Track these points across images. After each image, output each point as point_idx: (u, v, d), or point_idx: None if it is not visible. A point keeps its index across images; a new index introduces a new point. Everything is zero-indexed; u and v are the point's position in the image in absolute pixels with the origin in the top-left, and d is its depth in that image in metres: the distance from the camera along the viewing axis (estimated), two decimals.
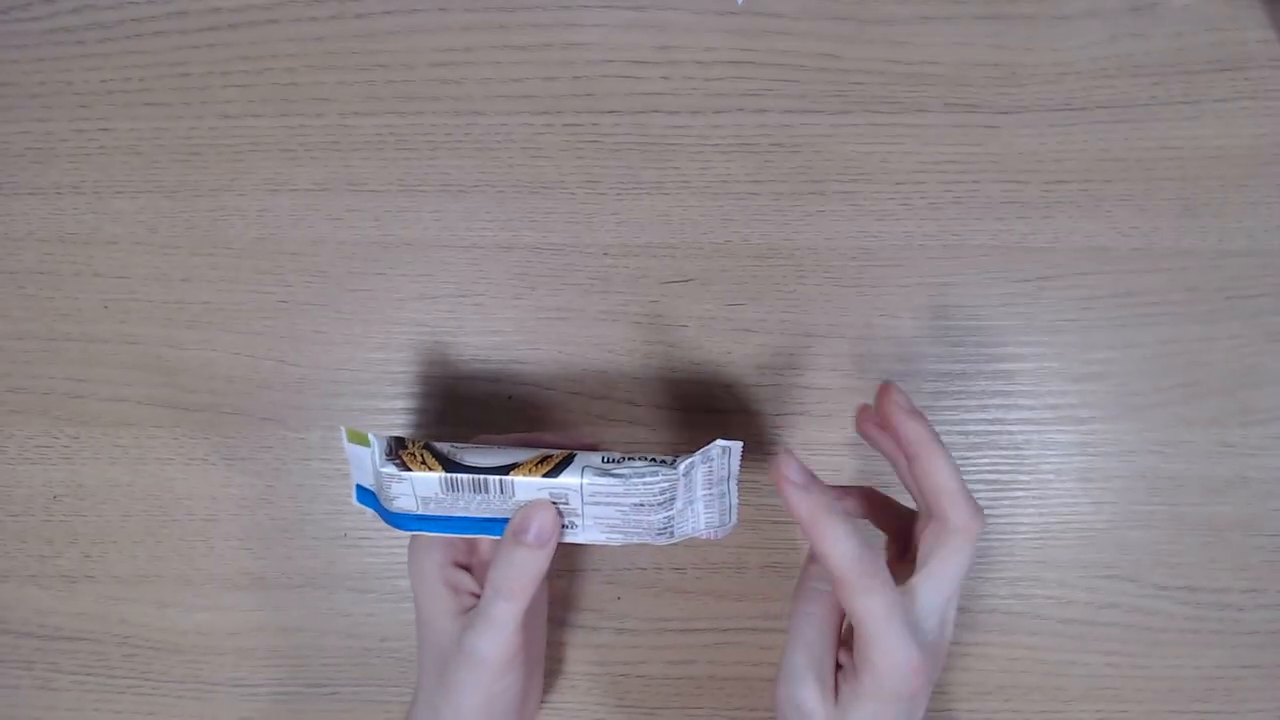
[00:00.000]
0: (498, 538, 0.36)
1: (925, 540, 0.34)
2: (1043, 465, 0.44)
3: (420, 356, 0.45)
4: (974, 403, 0.44)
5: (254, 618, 0.44)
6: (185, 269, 0.45)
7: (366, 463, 0.36)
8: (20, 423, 0.45)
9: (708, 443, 0.35)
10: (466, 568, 0.38)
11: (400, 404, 0.44)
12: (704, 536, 0.37)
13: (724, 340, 0.44)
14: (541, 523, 0.35)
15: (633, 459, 0.36)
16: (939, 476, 0.33)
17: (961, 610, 0.43)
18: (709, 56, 0.44)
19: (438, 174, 0.45)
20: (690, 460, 0.35)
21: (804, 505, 0.33)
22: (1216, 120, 0.44)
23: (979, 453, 0.44)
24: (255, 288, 0.45)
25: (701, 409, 0.44)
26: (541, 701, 0.43)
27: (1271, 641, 0.44)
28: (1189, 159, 0.44)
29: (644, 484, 0.35)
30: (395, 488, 0.35)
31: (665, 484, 0.35)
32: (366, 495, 0.37)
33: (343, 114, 0.45)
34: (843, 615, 0.35)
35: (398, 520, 0.37)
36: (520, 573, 0.35)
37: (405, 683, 0.44)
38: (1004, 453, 0.44)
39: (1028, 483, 0.44)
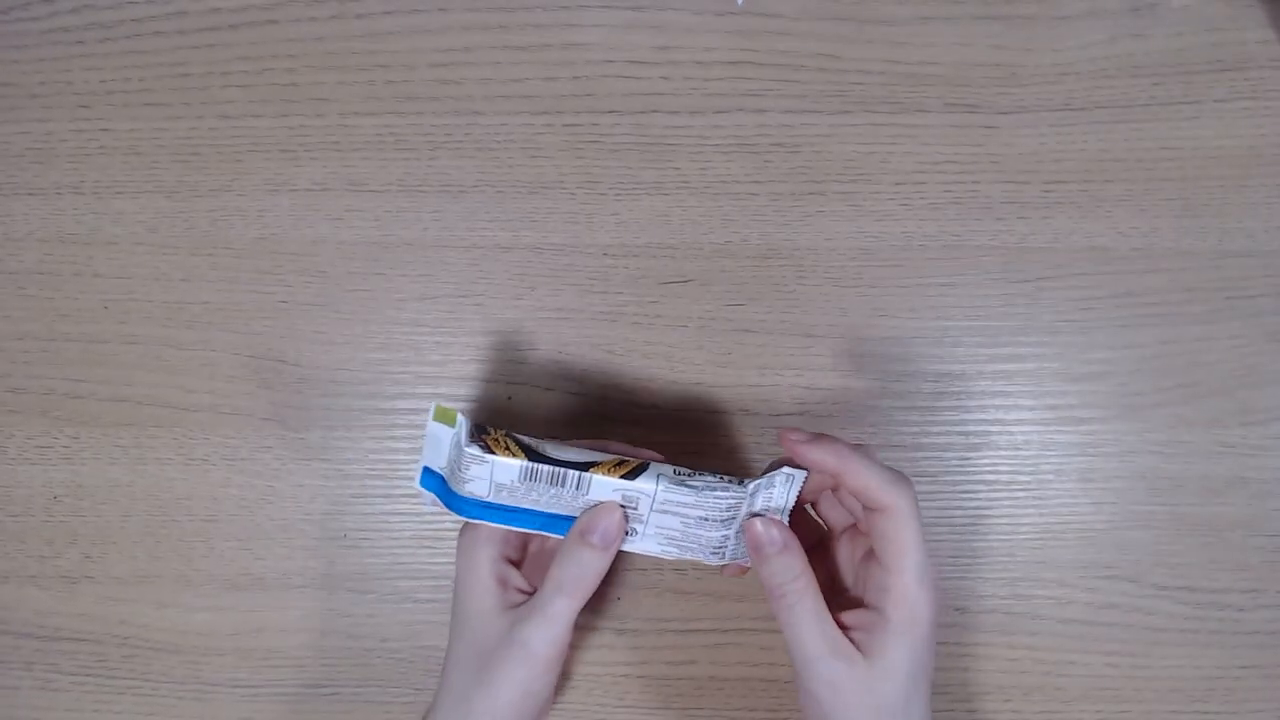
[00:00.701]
0: (551, 535, 0.37)
1: (878, 526, 0.35)
2: (1043, 465, 0.44)
3: (420, 356, 0.45)
4: (974, 403, 0.44)
5: (254, 618, 0.44)
6: (185, 269, 0.45)
7: (444, 444, 0.36)
8: (20, 423, 0.45)
9: (774, 467, 0.36)
10: (515, 564, 0.38)
11: (400, 404, 0.44)
12: (748, 564, 0.38)
13: (724, 340, 0.44)
14: (608, 524, 0.36)
15: (702, 474, 0.36)
16: (859, 478, 0.35)
17: (961, 610, 0.44)
18: (709, 56, 0.44)
19: (438, 174, 0.45)
20: (757, 483, 0.35)
21: (827, 453, 0.35)
22: (1216, 120, 0.44)
23: (979, 453, 0.44)
24: (255, 288, 0.45)
25: (701, 409, 0.44)
26: (553, 705, 0.43)
27: (1271, 641, 0.44)
28: (1189, 159, 0.44)
29: (715, 498, 0.35)
30: (473, 470, 0.35)
31: (733, 501, 0.35)
32: (432, 479, 0.37)
33: (343, 114, 0.45)
34: (819, 592, 0.35)
35: (462, 506, 0.37)
36: (583, 572, 0.35)
37: (406, 683, 0.44)
38: (1004, 453, 0.44)
39: (1028, 483, 0.44)
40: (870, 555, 0.36)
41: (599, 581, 0.36)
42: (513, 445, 0.36)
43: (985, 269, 0.44)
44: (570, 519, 0.37)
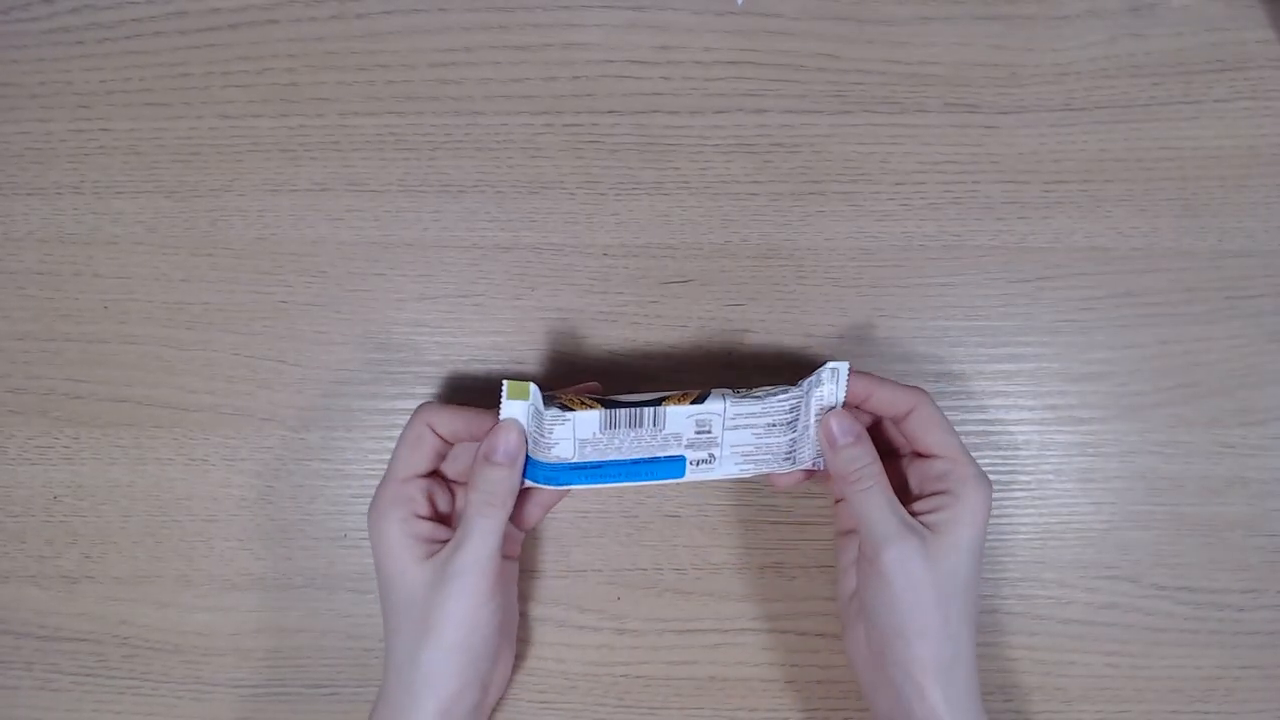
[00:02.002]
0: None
1: (915, 426, 0.39)
2: (1043, 465, 0.44)
3: (420, 356, 0.45)
4: (974, 403, 0.44)
5: (254, 618, 0.44)
6: (185, 269, 0.45)
7: (522, 419, 0.37)
8: (20, 423, 0.45)
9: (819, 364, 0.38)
10: (431, 519, 0.39)
11: (400, 404, 0.44)
12: (814, 467, 0.40)
13: (724, 340, 0.44)
14: (507, 440, 0.37)
15: (757, 387, 0.39)
16: (884, 391, 0.39)
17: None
18: (709, 56, 0.44)
19: (438, 174, 0.45)
20: (809, 380, 0.38)
21: (855, 382, 0.38)
22: (1216, 120, 0.44)
23: (979, 453, 0.44)
24: (255, 288, 0.45)
25: None
26: (508, 682, 0.43)
27: (1271, 641, 0.44)
28: (1189, 159, 0.44)
29: (777, 402, 0.38)
30: (556, 432, 0.37)
31: (794, 401, 0.38)
32: None
33: (343, 114, 0.45)
34: (888, 480, 0.38)
35: (551, 474, 0.38)
36: (495, 488, 0.37)
37: None
38: (1004, 453, 0.44)
39: (1028, 483, 0.44)
40: (917, 460, 0.39)
41: (513, 498, 0.37)
42: (587, 399, 0.37)
43: (985, 269, 0.44)
44: (653, 461, 0.38)
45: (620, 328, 0.44)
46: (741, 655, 0.44)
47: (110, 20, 0.45)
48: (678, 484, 0.42)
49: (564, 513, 0.44)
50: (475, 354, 0.45)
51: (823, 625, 0.44)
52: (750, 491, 0.44)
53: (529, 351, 0.44)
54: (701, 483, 0.43)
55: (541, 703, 0.44)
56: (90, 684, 0.45)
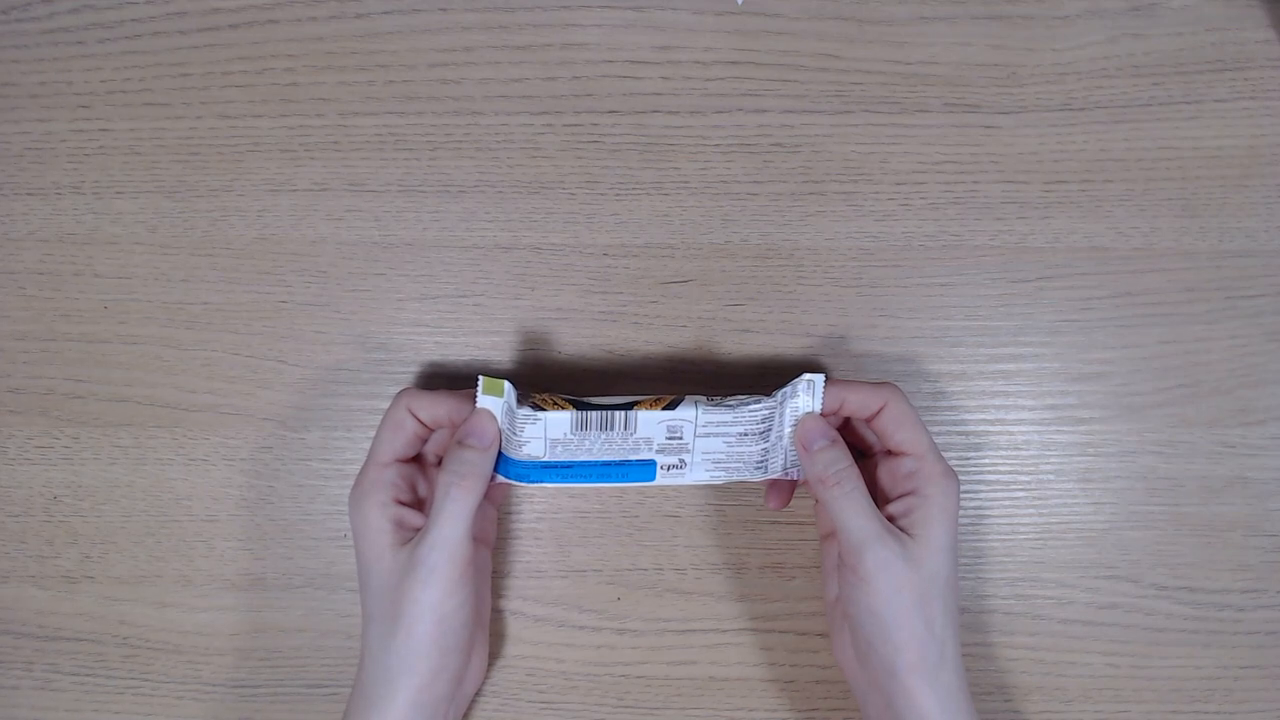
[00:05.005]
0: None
1: (887, 424, 0.39)
2: (1043, 465, 0.44)
3: (420, 356, 0.45)
4: (974, 403, 0.44)
5: (254, 618, 0.44)
6: (185, 269, 0.45)
7: (497, 414, 0.38)
8: (20, 423, 0.45)
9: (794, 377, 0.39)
10: (411, 505, 0.39)
11: None
12: (789, 476, 0.40)
13: (724, 340, 0.44)
14: (485, 428, 0.37)
15: (731, 395, 0.39)
16: (855, 394, 0.39)
17: (962, 610, 0.44)
18: (709, 56, 0.44)
19: (438, 174, 0.45)
20: (783, 391, 0.39)
21: (827, 395, 0.39)
22: (1216, 120, 0.44)
23: (979, 453, 0.44)
24: (255, 288, 0.45)
25: None
26: (484, 676, 0.43)
27: (1271, 641, 0.44)
28: (1189, 159, 0.44)
29: (750, 412, 0.38)
30: (528, 430, 0.38)
31: (766, 411, 0.39)
32: None
33: (343, 114, 0.45)
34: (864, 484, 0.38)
35: (523, 471, 0.38)
36: (468, 469, 0.37)
37: None
38: (1004, 453, 0.44)
39: (1028, 483, 0.44)
40: (887, 459, 0.39)
41: (484, 483, 0.37)
42: (560, 400, 0.38)
43: (985, 269, 0.44)
44: (624, 464, 0.39)
45: (620, 328, 0.44)
46: (741, 655, 0.44)
47: (110, 20, 0.45)
48: (679, 485, 0.42)
49: (564, 513, 0.44)
50: (475, 354, 0.45)
51: (823, 625, 0.44)
52: (750, 492, 0.44)
53: (529, 351, 0.44)
54: (675, 486, 0.43)
55: (542, 703, 0.44)
56: (90, 684, 0.45)
